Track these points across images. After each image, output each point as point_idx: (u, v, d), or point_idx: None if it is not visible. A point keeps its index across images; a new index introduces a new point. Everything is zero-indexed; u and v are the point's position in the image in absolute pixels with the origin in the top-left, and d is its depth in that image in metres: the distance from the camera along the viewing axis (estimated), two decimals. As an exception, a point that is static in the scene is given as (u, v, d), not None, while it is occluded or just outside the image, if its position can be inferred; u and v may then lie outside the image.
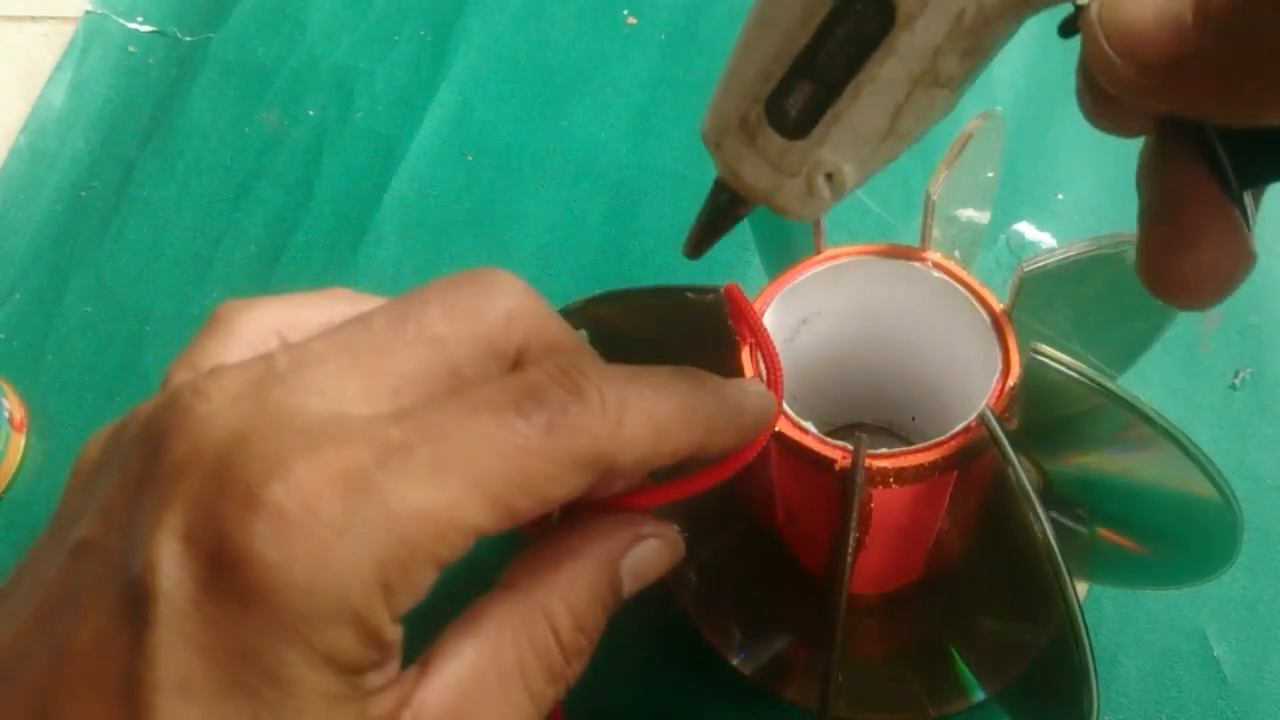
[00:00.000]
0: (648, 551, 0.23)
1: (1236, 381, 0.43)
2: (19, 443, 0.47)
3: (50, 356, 0.49)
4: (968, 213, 0.37)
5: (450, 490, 0.18)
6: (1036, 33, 0.60)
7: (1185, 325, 0.43)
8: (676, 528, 0.23)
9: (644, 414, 0.20)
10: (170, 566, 0.16)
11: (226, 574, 0.16)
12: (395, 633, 0.18)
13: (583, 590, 0.21)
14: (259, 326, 0.21)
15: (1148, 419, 0.28)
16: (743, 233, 0.42)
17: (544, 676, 0.20)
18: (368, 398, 0.19)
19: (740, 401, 0.23)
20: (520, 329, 0.21)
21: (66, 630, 0.17)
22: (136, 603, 0.17)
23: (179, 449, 0.18)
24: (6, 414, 0.46)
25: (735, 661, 0.37)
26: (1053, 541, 0.27)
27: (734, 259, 0.47)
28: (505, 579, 0.21)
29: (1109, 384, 0.28)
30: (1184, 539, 0.31)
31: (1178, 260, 0.19)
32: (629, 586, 0.22)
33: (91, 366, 0.49)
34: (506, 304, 0.21)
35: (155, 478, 0.18)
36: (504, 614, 0.20)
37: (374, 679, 0.18)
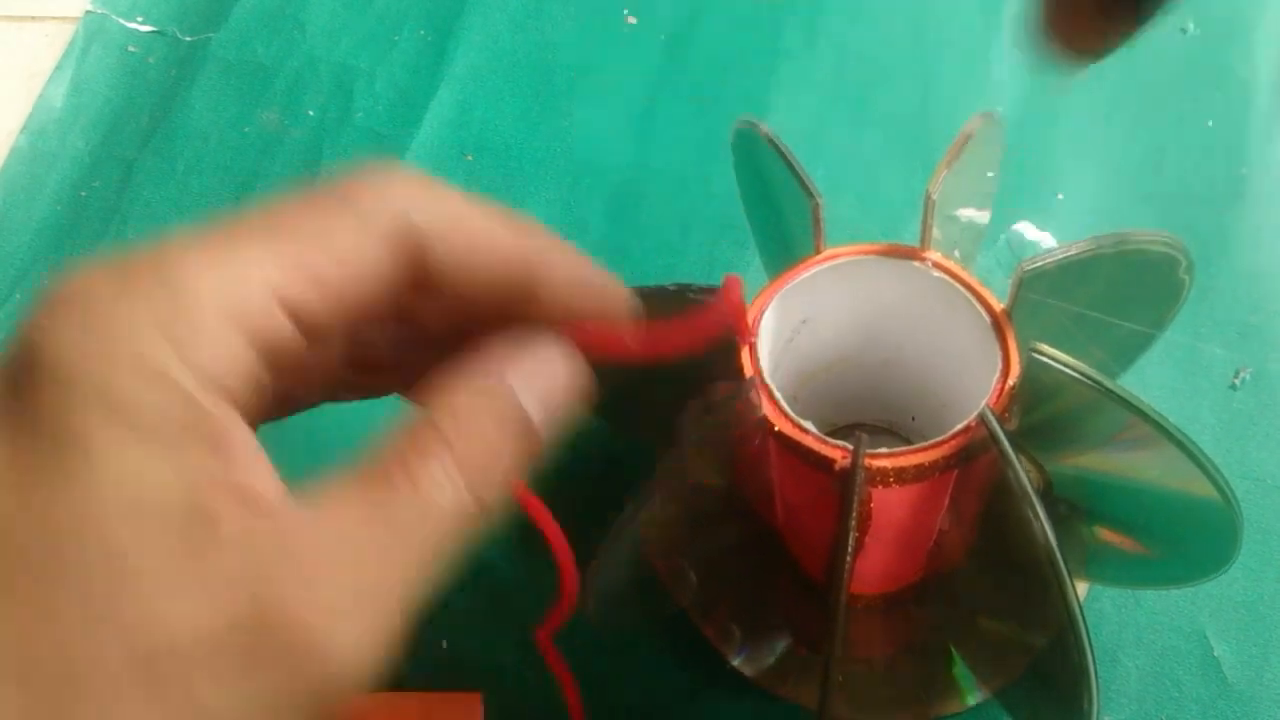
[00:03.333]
0: (542, 358, 0.21)
1: (1236, 381, 0.43)
2: (19, 442, 0.46)
3: (50, 356, 0.49)
4: (968, 213, 0.37)
5: (241, 254, 0.18)
6: (1036, 33, 0.59)
7: (1185, 325, 0.43)
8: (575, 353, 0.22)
9: (447, 196, 0.21)
10: None
11: (22, 367, 0.17)
12: (201, 391, 0.18)
13: (465, 398, 0.20)
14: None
15: (1147, 418, 0.28)
16: (742, 232, 0.43)
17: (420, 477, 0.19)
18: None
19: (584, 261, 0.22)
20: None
21: None
22: None
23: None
24: (6, 414, 0.46)
25: (735, 661, 0.37)
26: (1053, 541, 0.27)
27: (733, 258, 0.47)
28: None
29: (1109, 383, 0.28)
30: (1184, 539, 0.31)
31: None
32: (532, 407, 0.21)
33: (91, 366, 0.49)
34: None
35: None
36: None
37: (189, 436, 0.17)
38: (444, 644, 0.39)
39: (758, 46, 0.54)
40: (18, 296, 0.51)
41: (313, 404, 0.24)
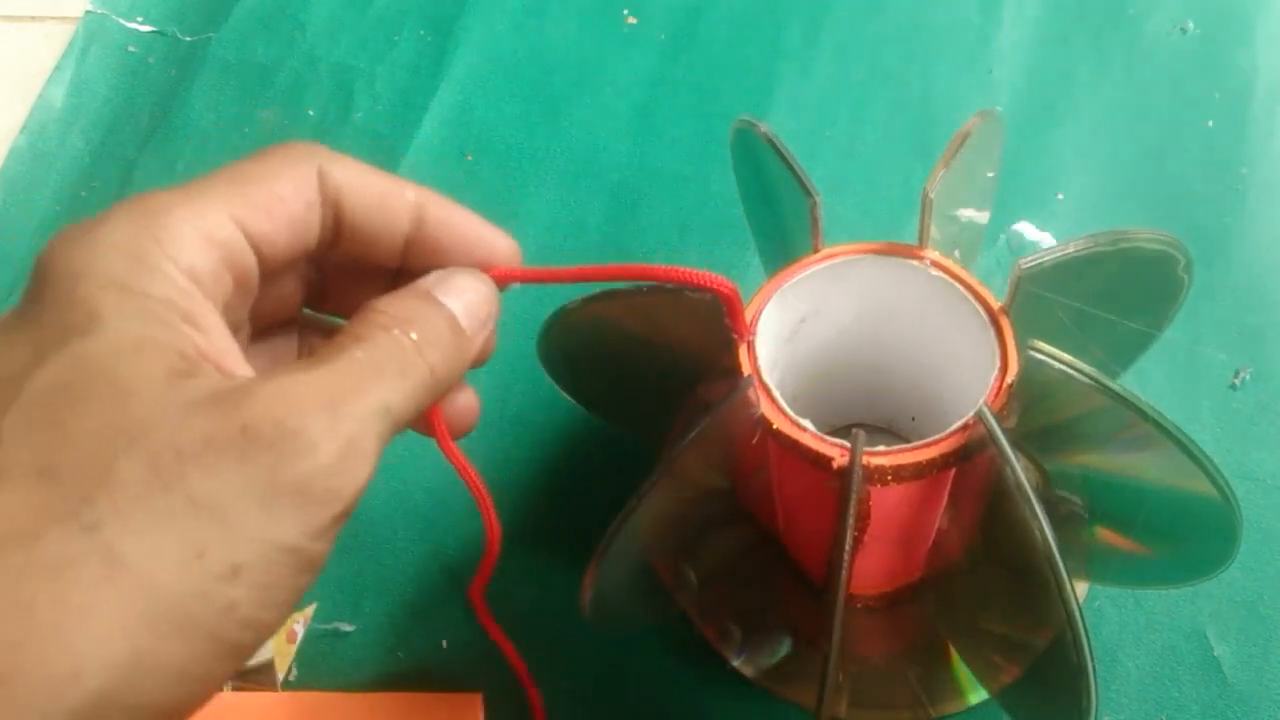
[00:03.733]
0: (464, 278, 0.25)
1: (1236, 381, 0.43)
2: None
3: (50, 356, 0.49)
4: (967, 212, 0.37)
5: (202, 191, 0.23)
6: (1037, 32, 0.59)
7: (1185, 325, 0.43)
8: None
9: (352, 161, 0.25)
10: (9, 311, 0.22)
11: (37, 276, 0.22)
12: (186, 284, 0.21)
13: (400, 299, 0.24)
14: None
15: (1147, 417, 0.28)
16: (741, 232, 0.43)
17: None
18: None
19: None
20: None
21: None
22: None
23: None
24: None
25: (735, 662, 0.37)
26: (1051, 541, 0.27)
27: (733, 258, 0.47)
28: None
29: (1107, 381, 0.28)
30: (1184, 538, 0.31)
31: None
32: (459, 311, 0.25)
33: (91, 366, 0.49)
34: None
35: None
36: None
37: (177, 314, 0.21)
38: (444, 644, 0.39)
39: (758, 46, 0.54)
40: (17, 296, 0.51)
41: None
